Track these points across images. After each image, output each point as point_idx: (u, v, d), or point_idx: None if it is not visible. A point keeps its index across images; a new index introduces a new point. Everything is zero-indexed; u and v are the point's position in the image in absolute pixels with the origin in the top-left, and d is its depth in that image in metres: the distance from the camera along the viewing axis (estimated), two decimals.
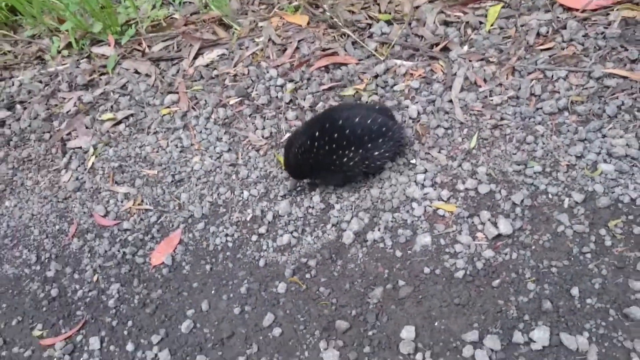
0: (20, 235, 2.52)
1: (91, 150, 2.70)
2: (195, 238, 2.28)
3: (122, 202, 2.48)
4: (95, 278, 2.28)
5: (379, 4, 2.87)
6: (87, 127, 2.81)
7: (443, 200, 2.09)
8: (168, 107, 2.74)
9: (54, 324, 2.21)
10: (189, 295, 2.13)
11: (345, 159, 1.99)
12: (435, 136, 2.28)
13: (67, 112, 2.93)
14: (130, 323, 2.12)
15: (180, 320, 2.07)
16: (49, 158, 2.77)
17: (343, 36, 2.77)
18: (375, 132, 2.00)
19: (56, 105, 2.99)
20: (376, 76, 2.55)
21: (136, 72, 2.98)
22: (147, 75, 2.94)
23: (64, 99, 3.01)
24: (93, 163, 2.66)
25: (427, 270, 1.94)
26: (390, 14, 2.79)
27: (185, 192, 2.41)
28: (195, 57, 2.94)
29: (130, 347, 2.05)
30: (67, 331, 2.16)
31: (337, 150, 1.97)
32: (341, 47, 2.70)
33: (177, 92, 2.78)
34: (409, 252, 2.00)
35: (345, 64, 2.63)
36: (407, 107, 2.38)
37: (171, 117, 2.69)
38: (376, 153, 2.03)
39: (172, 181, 2.47)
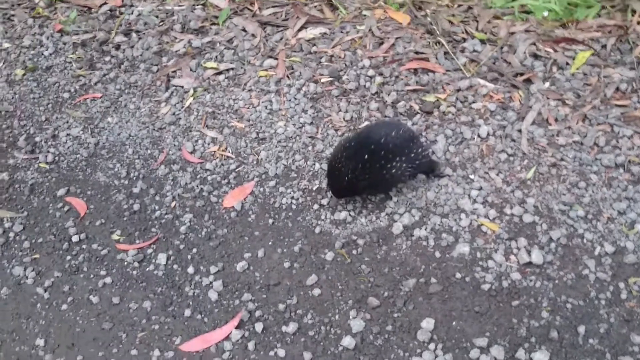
0: (116, 151, 2.88)
1: (191, 91, 3.02)
2: (265, 193, 2.58)
3: (208, 144, 2.80)
4: (173, 204, 2.61)
5: (477, 22, 3.06)
6: (191, 70, 3.13)
7: (489, 218, 2.33)
8: (266, 70, 3.03)
9: (130, 233, 2.56)
10: (249, 240, 2.44)
11: (393, 170, 2.27)
12: (497, 159, 2.51)
13: (176, 51, 3.25)
14: (194, 250, 2.45)
15: (237, 260, 2.39)
16: (153, 89, 3.11)
17: (437, 44, 2.98)
18: (408, 139, 2.31)
19: (167, 42, 3.31)
20: (458, 90, 2.76)
21: (244, 30, 3.27)
22: (253, 35, 3.22)
23: (176, 38, 3.33)
24: (190, 104, 2.98)
25: (458, 275, 2.20)
26: (486, 33, 2.98)
27: (265, 150, 2.71)
28: (299, 30, 3.19)
29: (190, 270, 2.39)
30: (141, 242, 2.51)
31: (385, 164, 2.26)
32: (433, 54, 2.91)
33: (277, 59, 3.06)
34: (447, 255, 2.26)
35: (433, 71, 2.85)
36: (479, 126, 2.60)
37: (267, 80, 2.98)
38: (412, 155, 2.31)
39: (255, 137, 2.78)
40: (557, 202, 2.36)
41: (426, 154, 2.39)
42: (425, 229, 2.34)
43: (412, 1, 3.17)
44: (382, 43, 3.03)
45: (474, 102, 2.71)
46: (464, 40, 2.99)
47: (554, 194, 2.38)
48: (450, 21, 3.08)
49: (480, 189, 2.42)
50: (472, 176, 2.46)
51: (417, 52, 2.96)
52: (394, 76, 2.86)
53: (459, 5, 3.16)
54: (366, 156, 2.24)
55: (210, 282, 2.34)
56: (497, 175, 2.46)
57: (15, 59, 3.45)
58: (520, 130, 2.58)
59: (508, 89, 2.75)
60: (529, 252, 2.22)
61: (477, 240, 2.28)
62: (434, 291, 2.18)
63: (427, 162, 2.40)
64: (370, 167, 2.24)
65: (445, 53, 2.93)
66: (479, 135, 2.59)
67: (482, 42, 2.95)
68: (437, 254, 2.27)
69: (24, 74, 3.34)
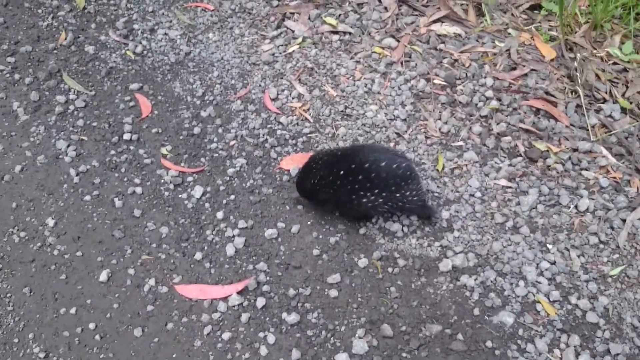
0: (202, 68, 2.73)
1: (299, 39, 2.82)
2: None
3: (292, 98, 2.61)
4: (232, 143, 2.44)
5: (627, 87, 2.68)
6: (309, 19, 2.92)
7: (549, 299, 2.02)
8: (382, 48, 2.78)
9: (179, 153, 2.42)
10: (289, 210, 2.24)
11: (364, 200, 2.04)
12: (585, 240, 2.17)
13: None
14: (232, 197, 2.28)
15: (269, 225, 2.20)
16: (264, 23, 2.93)
17: (573, 93, 2.63)
18: (399, 178, 2.03)
19: None
20: (575, 150, 2.43)
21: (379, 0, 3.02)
22: (385, 8, 2.98)
23: None
24: (293, 51, 2.79)
25: (489, 344, 1.91)
26: (631, 103, 2.61)
27: (345, 127, 2.49)
28: (434, 21, 2.92)
29: (220, 215, 2.22)
30: (185, 167, 2.36)
31: (358, 191, 2.03)
32: (564, 102, 2.58)
33: (399, 41, 2.80)
34: (486, 318, 1.97)
35: (556, 119, 2.52)
36: (581, 197, 2.27)
37: (379, 58, 2.74)
38: (398, 195, 2.05)
39: (341, 110, 2.55)
40: (632, 315, 2.01)
41: (419, 198, 2.10)
42: (475, 280, 2.05)
43: (565, 40, 2.82)
44: (514, 68, 2.71)
45: (586, 170, 2.37)
46: (604, 100, 2.63)
47: (632, 305, 2.03)
48: (597, 75, 2.71)
49: (554, 263, 2.10)
50: (549, 246, 2.14)
51: (547, 93, 2.62)
52: (512, 107, 2.55)
53: (615, 63, 2.78)
54: (342, 172, 2.02)
55: (233, 236, 2.17)
56: (578, 257, 2.13)
57: None
58: (624, 221, 2.22)
59: (630, 172, 2.38)
60: (577, 355, 1.90)
61: (525, 316, 1.98)
62: (457, 349, 1.90)
63: (418, 207, 2.14)
64: (340, 185, 2.03)
65: (578, 106, 2.58)
66: (576, 207, 2.25)
67: (623, 110, 2.58)
68: (476, 312, 1.98)
69: None
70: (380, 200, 2.05)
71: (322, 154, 2.12)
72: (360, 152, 2.07)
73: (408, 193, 2.07)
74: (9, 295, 2.05)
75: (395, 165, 2.03)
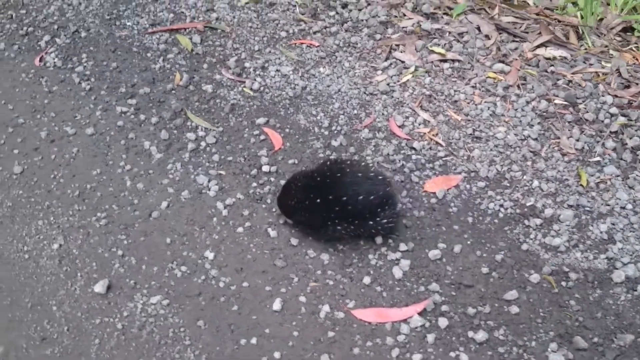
0: (322, 99, 2.78)
1: (412, 69, 2.88)
2: (471, 191, 2.38)
3: (419, 124, 2.64)
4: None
5: None
6: (416, 50, 2.99)
7: None
8: (495, 73, 2.84)
9: None
10: (446, 231, 2.24)
11: (338, 227, 2.10)
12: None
13: (403, 27, 3.13)
14: (385, 222, 2.27)
15: (430, 247, 2.20)
16: (372, 55, 3.00)
17: None
18: (375, 206, 2.08)
19: (396, 16, 3.20)
20: None
21: (478, 28, 3.11)
22: (486, 36, 3.06)
23: (405, 15, 3.22)
24: (408, 80, 2.84)
25: None
26: None
27: (479, 149, 2.52)
28: (537, 46, 2.99)
29: (379, 239, 2.22)
30: None
31: (334, 219, 2.08)
32: None
33: (509, 65, 2.86)
34: None
35: None
36: None
37: (494, 82, 2.79)
38: (371, 223, 2.10)
39: (470, 134, 2.59)
40: None
41: (391, 221, 2.14)
42: None
43: None
44: (628, 86, 2.77)
45: None
46: None
47: None
48: None
49: None
50: None
51: None
52: None
53: None
54: (318, 200, 2.06)
55: (397, 259, 2.16)
56: None
57: None
58: None
59: None
60: None
61: None
62: None
63: (388, 228, 2.17)
64: (313, 211, 2.09)
65: None
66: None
67: None
68: None
69: (246, 3, 3.33)
70: (352, 227, 2.11)
71: (305, 176, 2.15)
72: (339, 182, 2.09)
73: (384, 221, 2.12)
74: (182, 329, 2.03)
75: (372, 197, 2.07)
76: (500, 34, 3.09)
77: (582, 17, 3.06)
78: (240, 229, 2.29)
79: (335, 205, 2.06)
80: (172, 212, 2.36)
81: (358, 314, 2.03)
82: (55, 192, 2.46)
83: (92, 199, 2.42)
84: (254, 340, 1.97)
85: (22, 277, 2.21)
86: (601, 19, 3.09)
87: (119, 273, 2.19)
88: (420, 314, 2.00)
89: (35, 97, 2.87)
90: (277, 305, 2.05)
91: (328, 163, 2.20)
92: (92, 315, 2.09)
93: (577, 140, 2.54)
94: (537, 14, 3.25)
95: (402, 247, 2.20)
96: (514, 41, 3.05)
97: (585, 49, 2.98)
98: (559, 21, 3.16)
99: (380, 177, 2.16)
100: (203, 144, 2.60)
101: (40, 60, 3.06)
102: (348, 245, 2.22)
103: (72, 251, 2.26)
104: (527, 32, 3.09)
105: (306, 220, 2.18)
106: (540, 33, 3.06)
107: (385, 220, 2.13)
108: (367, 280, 2.11)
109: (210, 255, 2.21)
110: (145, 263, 2.21)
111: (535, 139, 2.55)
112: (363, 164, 2.36)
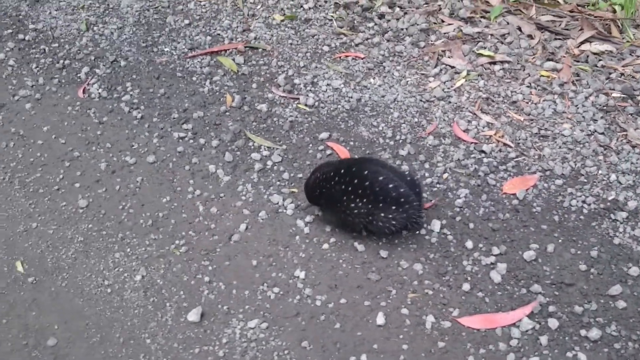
0: (379, 110, 2.76)
1: (464, 73, 2.87)
2: (550, 189, 2.37)
3: (483, 128, 2.63)
4: (445, 176, 2.44)
5: None
6: (463, 54, 2.99)
7: None
8: (547, 71, 2.85)
9: None
10: (535, 231, 2.23)
11: (352, 204, 2.10)
12: None
13: (445, 33, 3.13)
14: (472, 226, 2.26)
15: (523, 248, 2.17)
16: (420, 63, 2.99)
17: None
18: (392, 198, 2.07)
19: (435, 23, 3.21)
20: None
21: (519, 29, 3.12)
22: (529, 36, 3.07)
23: (443, 21, 3.23)
24: (462, 85, 2.84)
25: None
26: None
27: (549, 148, 2.51)
28: (582, 42, 3.01)
29: (469, 244, 2.19)
30: None
31: (349, 194, 2.09)
32: None
33: (560, 63, 2.88)
34: None
35: None
36: None
37: (549, 80, 2.80)
38: (382, 214, 2.09)
39: (536, 133, 2.58)
40: None
41: (391, 222, 2.14)
42: None
43: None
44: None
45: None
46: None
47: None
48: None
49: None
50: None
51: None
52: None
53: None
54: (342, 170, 2.12)
55: (492, 263, 2.13)
56: None
57: (274, 5, 3.44)
58: None
59: None
60: None
61: None
62: None
63: (383, 227, 2.17)
64: (337, 181, 2.12)
65: None
66: None
67: None
68: None
69: (282, 20, 3.31)
70: (369, 211, 2.11)
71: (334, 167, 2.17)
72: (368, 161, 2.21)
73: (404, 215, 2.13)
74: (286, 352, 1.98)
75: (392, 185, 2.09)
76: (542, 32, 3.10)
77: (621, 9, 3.09)
78: (325, 245, 2.24)
79: (355, 179, 2.08)
80: (252, 233, 2.31)
81: (465, 321, 1.99)
82: (127, 223, 2.39)
83: (166, 226, 2.36)
84: (364, 357, 1.93)
85: (108, 312, 2.14)
86: (633, 12, 3.12)
87: (209, 300, 2.13)
88: (528, 316, 1.97)
89: (87, 129, 2.81)
90: (380, 319, 2.01)
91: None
92: (190, 345, 2.02)
93: None
94: (571, 11, 3.27)
95: (495, 250, 2.17)
96: (557, 39, 3.06)
97: (628, 41, 3.00)
98: (595, 16, 3.18)
99: (406, 173, 2.28)
100: (269, 163, 2.56)
101: (84, 91, 3.01)
102: (439, 254, 2.19)
103: (157, 281, 2.20)
104: (567, 29, 3.11)
105: (326, 206, 2.21)
106: (582, 29, 3.08)
107: (405, 215, 2.11)
108: (466, 287, 2.08)
109: (300, 274, 2.16)
110: (235, 287, 2.15)
111: (602, 133, 2.55)
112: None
